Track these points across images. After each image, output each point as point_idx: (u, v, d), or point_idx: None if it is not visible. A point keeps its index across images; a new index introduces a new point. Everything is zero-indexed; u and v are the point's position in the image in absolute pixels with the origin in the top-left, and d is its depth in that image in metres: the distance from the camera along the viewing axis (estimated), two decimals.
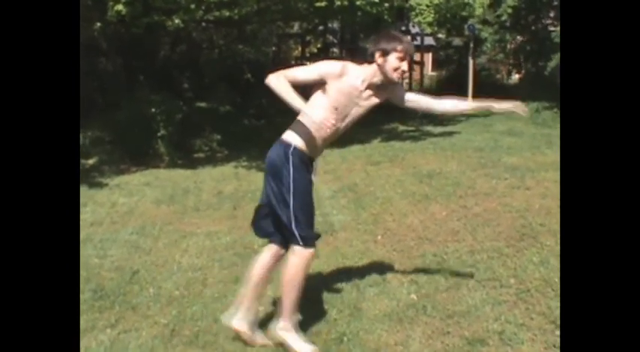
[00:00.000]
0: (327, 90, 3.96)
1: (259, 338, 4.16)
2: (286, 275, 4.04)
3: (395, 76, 3.99)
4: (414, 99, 4.41)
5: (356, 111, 4.08)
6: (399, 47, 3.94)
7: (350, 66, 4.05)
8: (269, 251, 4.25)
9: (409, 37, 24.34)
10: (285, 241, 4.11)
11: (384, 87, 4.11)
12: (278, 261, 4.22)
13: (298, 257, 3.98)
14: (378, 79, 4.03)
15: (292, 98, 3.84)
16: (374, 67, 4.02)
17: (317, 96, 4.01)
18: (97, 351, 4.26)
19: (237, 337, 4.18)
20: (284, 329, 4.05)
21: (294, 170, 3.95)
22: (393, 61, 3.94)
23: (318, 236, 4.15)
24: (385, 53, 3.95)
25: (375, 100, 4.12)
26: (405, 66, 3.97)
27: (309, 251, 3.99)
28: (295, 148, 3.98)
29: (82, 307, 4.81)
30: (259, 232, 4.40)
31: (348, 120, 4.09)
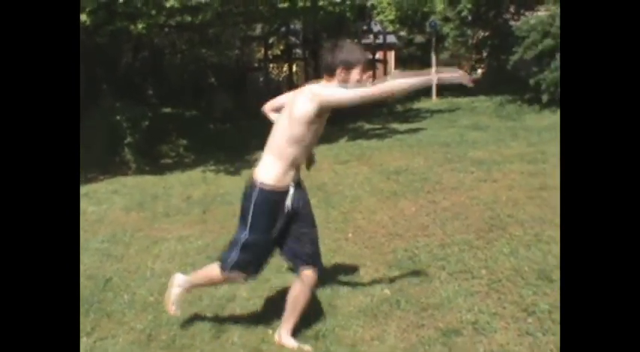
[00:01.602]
0: (314, 124, 3.88)
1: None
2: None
3: (354, 85, 3.90)
4: None
5: (322, 127, 4.02)
6: (360, 60, 3.93)
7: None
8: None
9: (371, 36, 24.48)
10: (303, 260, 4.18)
11: None
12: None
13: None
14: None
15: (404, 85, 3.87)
16: (335, 83, 3.91)
17: (301, 135, 3.90)
18: None
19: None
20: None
21: (255, 209, 3.97)
22: (355, 74, 3.90)
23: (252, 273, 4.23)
24: (348, 67, 3.88)
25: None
26: (365, 76, 3.96)
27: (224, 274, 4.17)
28: (261, 188, 3.96)
29: None
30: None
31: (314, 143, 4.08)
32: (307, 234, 4.16)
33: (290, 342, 4.19)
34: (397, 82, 3.85)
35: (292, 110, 3.88)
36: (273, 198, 3.95)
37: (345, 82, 3.88)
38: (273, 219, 3.98)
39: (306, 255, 4.12)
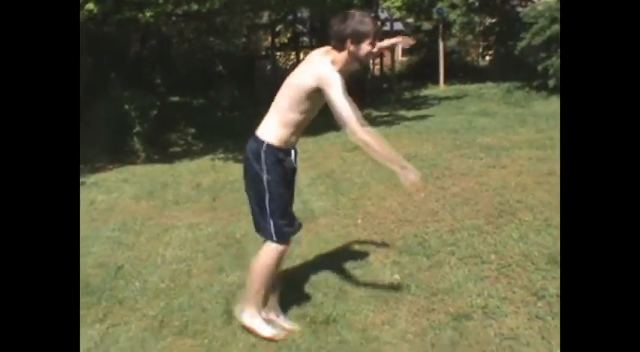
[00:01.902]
0: (314, 98, 3.89)
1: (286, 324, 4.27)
2: (256, 266, 4.12)
3: (364, 58, 3.93)
4: None
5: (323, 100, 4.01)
6: (371, 32, 3.85)
7: (330, 64, 3.93)
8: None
9: (378, 23, 24.37)
10: None
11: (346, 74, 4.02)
12: None
13: (269, 251, 4.06)
14: (349, 65, 3.96)
15: (390, 155, 4.09)
16: (345, 54, 3.89)
17: (299, 106, 3.94)
18: (87, 345, 4.28)
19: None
20: (251, 315, 4.16)
21: (267, 171, 3.97)
22: (366, 46, 3.86)
23: (294, 231, 4.19)
24: (357, 39, 3.84)
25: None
26: (376, 49, 3.97)
27: (281, 247, 4.06)
28: (268, 146, 3.96)
29: None
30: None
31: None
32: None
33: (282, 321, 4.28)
34: (378, 145, 3.95)
35: (294, 78, 3.96)
36: (280, 155, 4.00)
37: (354, 54, 3.87)
38: (284, 173, 4.04)
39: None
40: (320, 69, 3.85)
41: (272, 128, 3.98)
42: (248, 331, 4.16)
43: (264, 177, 3.96)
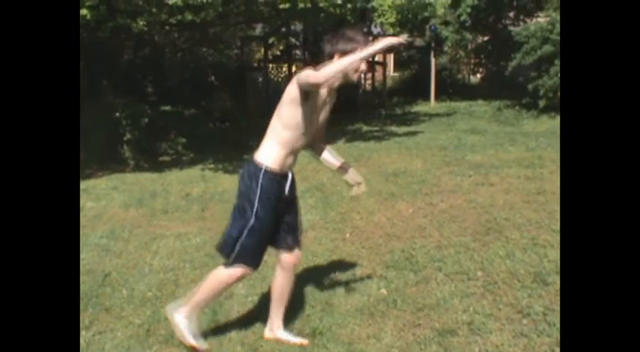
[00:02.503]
0: (302, 107, 3.88)
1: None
2: (210, 279, 4.22)
3: (355, 76, 3.92)
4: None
5: (322, 117, 4.09)
6: (358, 48, 3.80)
7: None
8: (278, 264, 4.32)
9: (370, 38, 24.48)
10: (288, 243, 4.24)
11: (334, 90, 4.06)
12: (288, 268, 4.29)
13: (226, 272, 4.14)
14: (338, 81, 3.91)
15: (355, 57, 3.77)
16: None
17: (290, 121, 3.93)
18: None
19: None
20: (185, 317, 4.15)
21: (259, 199, 3.96)
22: None
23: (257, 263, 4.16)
24: (345, 55, 3.82)
25: (331, 103, 4.10)
26: (364, 66, 3.92)
27: (239, 270, 4.10)
28: (266, 170, 3.97)
29: None
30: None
31: (315, 130, 4.09)
32: (290, 222, 4.24)
33: (284, 336, 4.26)
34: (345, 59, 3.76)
35: (282, 99, 3.97)
36: (277, 181, 4.01)
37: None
38: (276, 202, 4.03)
39: (286, 242, 4.23)
40: (297, 75, 3.92)
41: (269, 150, 3.97)
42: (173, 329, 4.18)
43: (255, 205, 3.96)
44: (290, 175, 4.12)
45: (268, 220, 4.02)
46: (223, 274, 4.14)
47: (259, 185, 3.95)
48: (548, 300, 4.45)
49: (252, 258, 4.07)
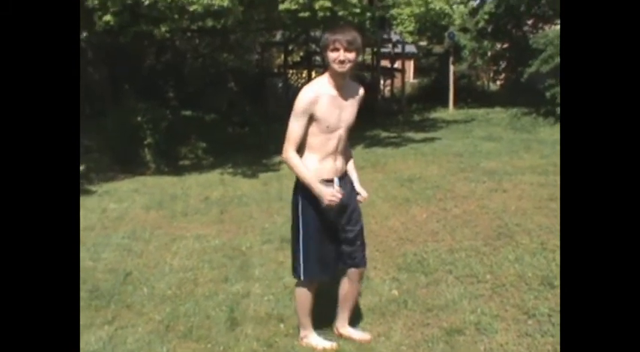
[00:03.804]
0: (315, 116, 3.98)
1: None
2: (295, 300, 4.48)
3: (336, 66, 3.94)
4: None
5: (345, 116, 4.09)
6: (330, 39, 3.94)
7: (316, 81, 4.16)
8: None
9: (390, 45, 24.64)
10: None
11: (351, 88, 4.15)
12: (351, 281, 4.38)
13: (297, 290, 4.35)
14: (335, 75, 4.01)
15: (304, 177, 3.98)
16: (329, 67, 4.05)
17: (310, 129, 4.03)
18: (96, 346, 4.49)
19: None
20: (304, 336, 4.39)
21: (302, 210, 4.09)
22: (330, 53, 3.94)
23: (322, 278, 4.27)
24: (325, 50, 4.00)
25: (354, 101, 4.14)
26: (341, 55, 3.91)
27: (305, 287, 4.26)
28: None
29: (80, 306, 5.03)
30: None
31: (342, 128, 4.10)
32: (351, 233, 4.24)
33: (346, 332, 4.44)
34: (302, 168, 3.98)
35: None
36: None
37: (329, 63, 3.97)
38: (320, 210, 4.04)
39: (350, 257, 4.26)
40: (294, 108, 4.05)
41: (304, 158, 4.05)
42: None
43: (300, 216, 4.11)
44: (336, 180, 4.09)
45: (317, 228, 4.09)
46: (296, 292, 4.35)
47: (299, 194, 4.09)
48: (554, 302, 4.59)
49: (314, 269, 4.16)
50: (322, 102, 3.98)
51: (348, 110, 4.10)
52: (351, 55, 3.92)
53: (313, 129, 4.01)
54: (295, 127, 3.98)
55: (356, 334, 4.42)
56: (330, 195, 3.92)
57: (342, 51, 3.89)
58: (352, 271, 4.31)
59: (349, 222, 4.22)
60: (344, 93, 4.07)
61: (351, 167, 4.40)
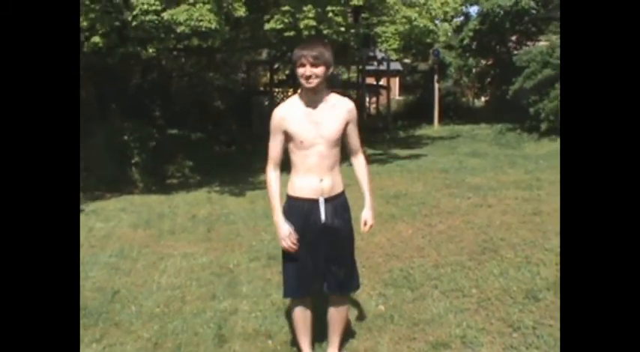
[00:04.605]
0: (288, 133, 3.98)
1: None
2: None
3: (303, 81, 3.92)
4: (353, 149, 4.31)
5: (324, 131, 3.99)
6: (296, 55, 3.93)
7: (290, 99, 4.16)
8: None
9: (375, 62, 24.76)
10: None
11: (330, 103, 4.05)
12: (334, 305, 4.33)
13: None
14: (305, 91, 3.98)
15: (270, 199, 4.05)
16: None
17: (289, 147, 4.04)
18: None
19: None
20: None
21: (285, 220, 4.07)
22: (298, 70, 3.94)
23: (302, 294, 4.19)
24: (294, 66, 4.02)
25: (335, 116, 4.03)
26: (307, 70, 3.87)
27: (291, 305, 4.32)
28: (288, 197, 4.08)
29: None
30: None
31: (321, 144, 3.99)
32: (334, 257, 4.10)
33: None
34: (270, 189, 4.03)
35: None
36: (298, 206, 4.03)
37: (298, 78, 3.98)
38: (303, 230, 4.01)
39: (333, 280, 4.14)
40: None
41: (290, 178, 4.07)
42: None
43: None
44: (322, 201, 4.01)
45: (297, 248, 4.02)
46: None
47: (283, 212, 4.04)
48: (539, 315, 4.66)
49: (292, 287, 4.14)
50: (293, 119, 3.97)
51: (326, 125, 3.99)
52: (318, 70, 3.87)
53: (291, 146, 4.01)
54: (271, 145, 4.02)
55: None
56: (283, 236, 3.94)
57: (308, 66, 3.86)
58: (334, 296, 4.24)
59: (332, 246, 4.06)
60: (320, 108, 4.00)
61: (365, 189, 4.33)
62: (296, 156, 4.03)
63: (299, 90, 4.05)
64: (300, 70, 3.89)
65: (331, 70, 4.03)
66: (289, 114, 4.00)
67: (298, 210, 4.03)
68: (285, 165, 4.07)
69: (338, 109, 4.06)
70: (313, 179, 4.00)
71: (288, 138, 3.99)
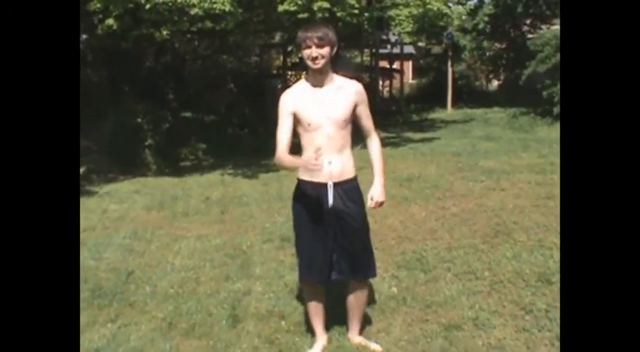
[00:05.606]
0: (297, 115, 4.00)
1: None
2: None
3: (310, 63, 3.96)
4: (366, 130, 4.32)
5: (332, 113, 4.00)
6: (301, 37, 3.96)
7: (298, 82, 4.21)
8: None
9: (389, 46, 24.69)
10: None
11: (338, 85, 4.07)
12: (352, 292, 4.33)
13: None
14: (312, 72, 4.02)
15: (292, 163, 4.02)
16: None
17: (298, 129, 4.06)
18: (99, 343, 4.55)
19: None
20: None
21: (293, 209, 4.18)
22: (304, 51, 3.98)
23: (313, 279, 4.20)
24: (299, 49, 4.06)
25: (342, 98, 4.04)
26: (313, 51, 3.92)
27: (304, 285, 4.38)
28: (297, 180, 4.14)
29: (82, 305, 5.07)
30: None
31: (329, 125, 4.01)
32: (344, 243, 4.09)
33: (357, 341, 4.38)
34: (280, 156, 3.96)
35: None
36: (308, 189, 4.07)
37: (305, 60, 4.02)
38: (313, 213, 4.04)
39: (347, 266, 4.13)
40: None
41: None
42: None
43: (294, 220, 4.19)
44: (330, 185, 4.00)
45: (307, 232, 4.10)
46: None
47: (294, 197, 4.16)
48: (551, 298, 4.66)
49: (306, 270, 4.18)
50: (299, 100, 4.01)
51: (333, 107, 4.00)
52: (324, 51, 3.92)
53: (299, 128, 4.04)
54: (280, 129, 4.01)
55: (367, 343, 4.36)
56: (306, 160, 3.82)
57: (313, 48, 3.90)
58: (351, 282, 4.25)
59: (341, 232, 4.07)
60: (326, 89, 4.03)
61: (377, 168, 4.32)
62: (304, 139, 4.07)
63: (303, 74, 4.06)
64: (307, 52, 3.93)
65: (335, 49, 4.06)
66: (297, 96, 4.05)
67: (308, 193, 4.07)
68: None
69: (346, 90, 4.08)
70: (322, 161, 3.89)
71: (296, 120, 4.01)
